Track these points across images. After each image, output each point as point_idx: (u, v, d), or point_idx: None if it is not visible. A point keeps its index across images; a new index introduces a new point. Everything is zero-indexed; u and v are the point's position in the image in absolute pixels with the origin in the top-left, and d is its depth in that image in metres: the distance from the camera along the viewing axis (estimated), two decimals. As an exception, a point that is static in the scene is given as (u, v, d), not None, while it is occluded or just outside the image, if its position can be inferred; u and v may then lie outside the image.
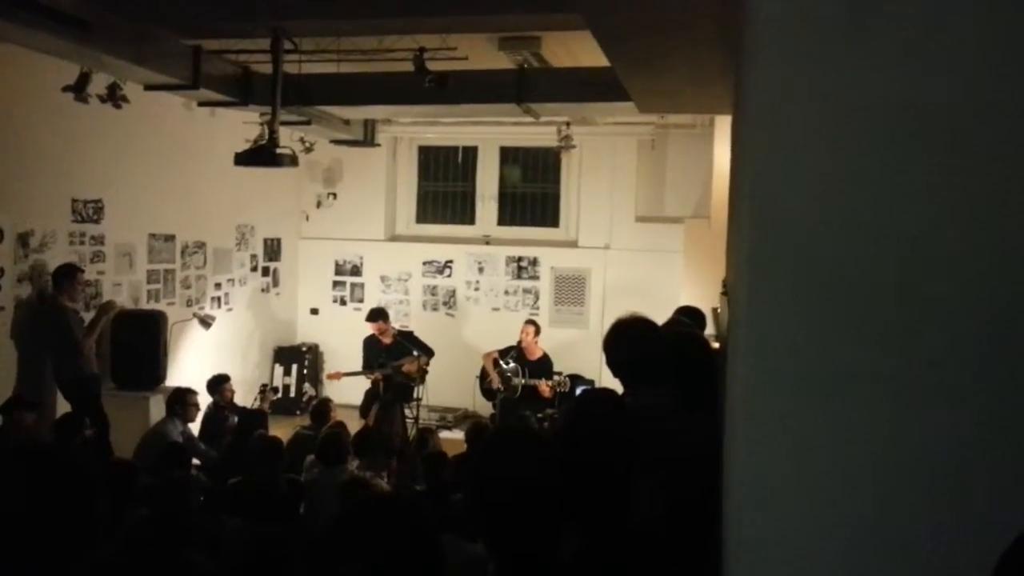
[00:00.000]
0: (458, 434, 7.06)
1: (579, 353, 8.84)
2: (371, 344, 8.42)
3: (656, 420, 2.83)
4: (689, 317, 4.72)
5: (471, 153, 10.52)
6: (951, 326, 1.29)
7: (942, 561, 1.32)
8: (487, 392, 8.24)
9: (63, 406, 6.22)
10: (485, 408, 8.56)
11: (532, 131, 9.37)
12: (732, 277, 2.68)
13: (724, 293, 3.59)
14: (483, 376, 8.29)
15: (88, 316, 6.68)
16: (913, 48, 1.30)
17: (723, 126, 7.12)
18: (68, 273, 6.42)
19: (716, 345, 3.42)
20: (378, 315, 8.44)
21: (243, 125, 7.44)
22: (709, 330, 4.51)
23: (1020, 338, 1.26)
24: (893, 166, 1.31)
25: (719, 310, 4.04)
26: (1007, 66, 1.27)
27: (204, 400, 6.87)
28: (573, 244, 10.05)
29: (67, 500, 1.40)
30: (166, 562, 2.09)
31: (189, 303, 8.57)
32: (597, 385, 7.65)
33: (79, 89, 6.23)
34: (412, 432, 7.84)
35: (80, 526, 1.40)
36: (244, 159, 6.52)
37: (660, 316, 4.40)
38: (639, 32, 4.00)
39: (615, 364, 3.15)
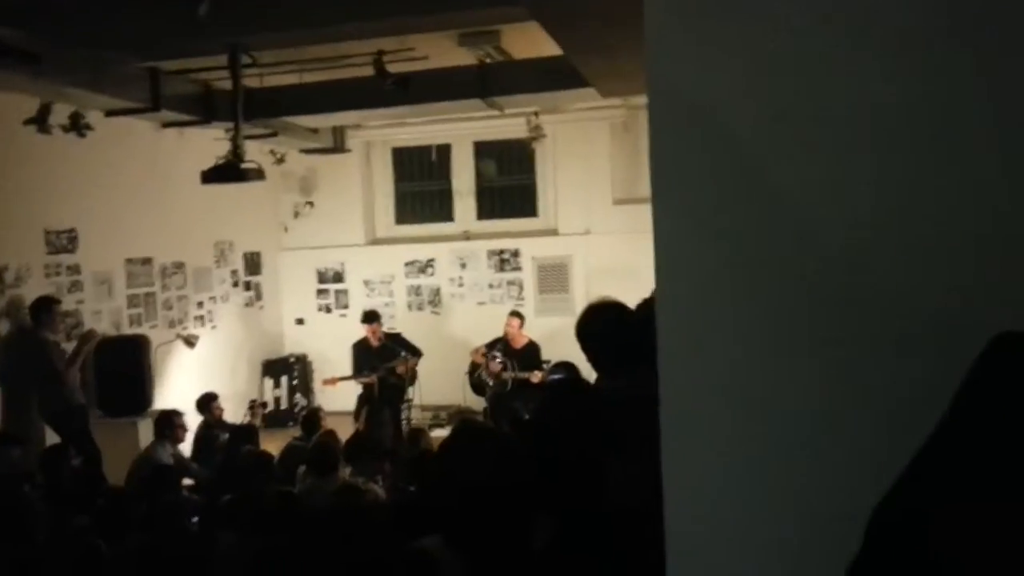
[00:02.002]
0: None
1: (566, 340, 8.78)
2: (360, 349, 8.48)
3: (630, 403, 2.86)
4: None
5: (445, 151, 10.51)
6: (890, 327, 1.28)
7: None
8: (477, 387, 8.29)
9: (53, 438, 6.21)
10: (478, 403, 8.59)
11: (503, 124, 9.36)
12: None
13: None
14: (472, 371, 8.33)
15: (70, 347, 6.67)
16: (813, 43, 1.30)
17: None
18: (45, 305, 6.41)
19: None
20: (373, 317, 8.55)
21: (213, 142, 7.41)
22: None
23: (944, 342, 1.25)
24: (790, 159, 1.32)
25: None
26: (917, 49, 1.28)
27: (197, 420, 6.89)
28: (553, 232, 10.07)
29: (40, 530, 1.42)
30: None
31: (172, 324, 8.55)
32: (584, 370, 7.68)
33: (41, 121, 6.21)
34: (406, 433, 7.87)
35: (18, 557, 1.42)
36: (210, 176, 6.53)
37: (644, 296, 4.41)
38: (584, 17, 4.02)
39: (589, 350, 3.19)
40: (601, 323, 3.27)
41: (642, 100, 8.89)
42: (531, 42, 6.58)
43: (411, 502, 4.55)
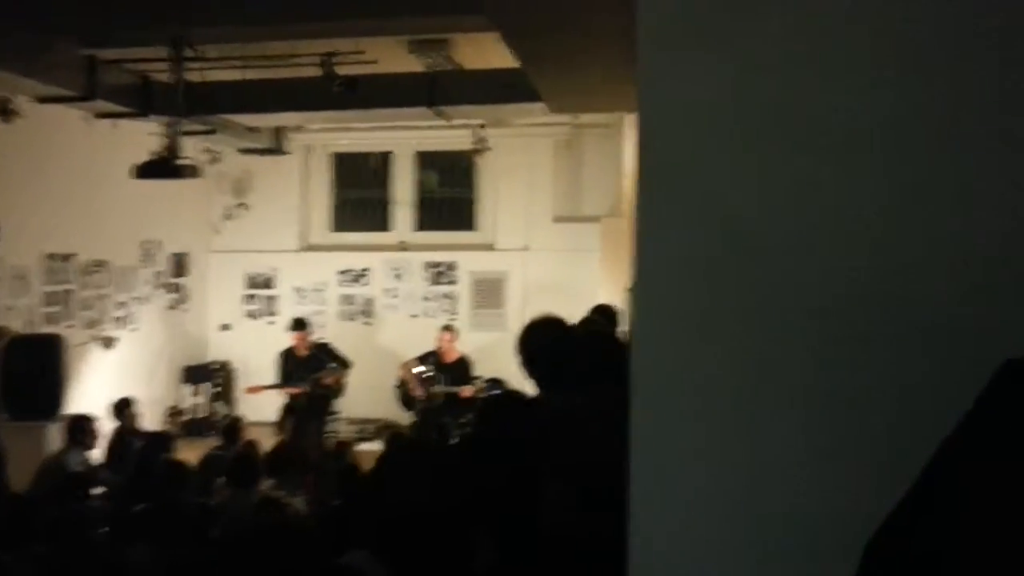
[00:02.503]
0: (378, 445, 6.97)
1: (500, 356, 8.75)
2: (287, 358, 8.32)
3: (567, 421, 2.81)
4: (602, 315, 4.74)
5: (386, 159, 10.38)
6: (865, 336, 1.25)
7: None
8: (406, 401, 8.18)
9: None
10: (405, 418, 8.44)
11: (447, 135, 9.30)
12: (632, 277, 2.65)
13: (630, 290, 3.58)
14: (401, 386, 8.21)
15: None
16: (790, 49, 1.28)
17: (632, 124, 7.17)
18: (-47, 298, 6.06)
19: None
20: (301, 325, 8.42)
21: (147, 136, 7.15)
22: (623, 327, 4.52)
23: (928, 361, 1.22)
24: (782, 167, 1.28)
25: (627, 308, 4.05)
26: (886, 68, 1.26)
27: (111, 426, 6.59)
28: (491, 247, 10.05)
29: None
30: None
31: (90, 325, 8.20)
32: (515, 387, 7.64)
33: (-36, 104, 5.92)
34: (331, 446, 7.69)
35: None
36: (144, 171, 6.39)
37: (579, 315, 4.40)
38: (544, 31, 4.01)
39: (528, 365, 3.14)
40: (544, 338, 3.23)
41: (588, 119, 8.98)
42: (481, 53, 6.56)
43: (336, 516, 4.41)
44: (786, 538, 1.28)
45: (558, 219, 9.70)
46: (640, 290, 1.43)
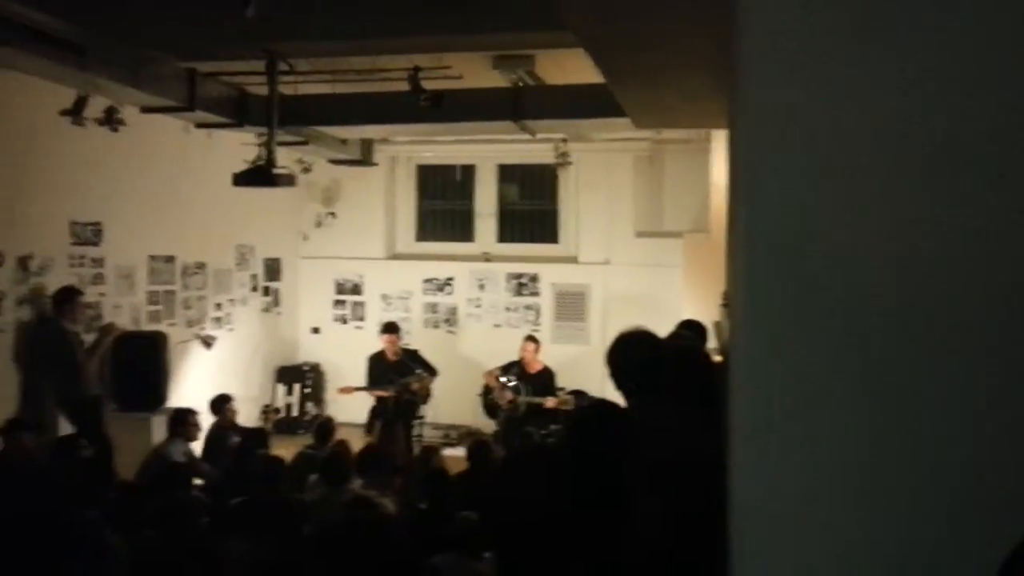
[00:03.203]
0: (461, 451, 7.07)
1: (581, 369, 8.81)
2: (376, 361, 8.47)
3: (658, 432, 2.83)
4: (691, 330, 4.73)
5: (469, 171, 10.54)
6: (946, 341, 1.29)
7: (944, 572, 1.32)
8: (489, 409, 8.26)
9: (67, 428, 6.20)
10: (488, 426, 8.54)
11: (529, 148, 9.41)
12: (731, 290, 2.68)
13: (725, 305, 3.60)
14: (485, 393, 8.30)
15: (89, 338, 6.68)
16: (905, 72, 1.31)
17: (720, 140, 7.15)
18: (68, 296, 6.43)
19: (718, 358, 3.42)
20: (393, 328, 8.58)
21: (241, 146, 7.48)
22: (711, 343, 4.51)
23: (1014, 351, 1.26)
24: (881, 188, 1.32)
25: (720, 323, 4.04)
26: (1007, 90, 1.29)
27: (208, 420, 6.87)
28: (573, 260, 10.06)
29: (44, 514, 1.41)
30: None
31: (190, 324, 8.57)
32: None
33: (76, 112, 6.27)
34: (416, 450, 7.83)
35: (58, 540, 1.41)
36: (242, 179, 6.60)
37: (662, 330, 4.41)
38: (631, 48, 4.03)
39: (618, 376, 3.15)
40: (635, 351, 3.23)
41: (669, 134, 8.96)
42: (562, 70, 6.64)
43: (425, 519, 4.53)
44: (895, 552, 1.31)
45: (640, 234, 9.65)
46: (737, 303, 1.47)
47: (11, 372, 6.38)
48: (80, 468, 5.17)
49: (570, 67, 6.41)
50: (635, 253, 9.56)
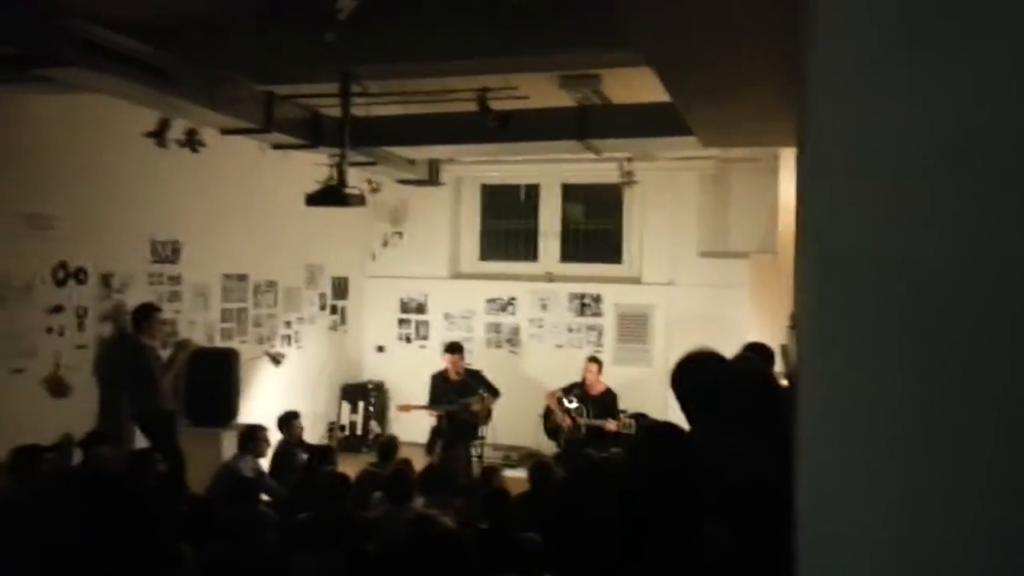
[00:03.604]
0: (521, 473, 7.06)
1: (644, 391, 8.75)
2: (439, 381, 8.53)
3: (724, 456, 2.79)
4: (757, 353, 4.66)
5: (533, 191, 10.61)
6: None
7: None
8: (550, 431, 8.24)
9: (142, 442, 6.40)
10: (548, 447, 8.53)
11: (593, 168, 9.42)
12: (799, 312, 2.64)
13: (792, 327, 3.53)
14: (547, 415, 8.28)
15: (166, 354, 6.90)
16: (978, 88, 1.29)
17: (788, 159, 7.05)
18: (147, 312, 6.66)
19: (784, 382, 3.36)
20: (456, 348, 8.63)
21: (313, 167, 7.66)
22: (777, 367, 4.43)
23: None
24: (957, 204, 1.30)
25: (787, 345, 3.97)
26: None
27: (275, 437, 7.01)
28: (636, 280, 10.01)
29: (127, 529, 1.46)
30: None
31: (261, 341, 8.78)
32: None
33: (159, 135, 6.50)
34: (477, 470, 7.86)
35: (142, 554, 1.46)
36: (315, 200, 6.71)
37: (727, 353, 4.35)
38: (697, 67, 4.02)
39: (683, 397, 3.12)
40: (700, 373, 3.19)
41: (735, 153, 8.88)
42: (629, 88, 6.64)
43: (486, 539, 4.54)
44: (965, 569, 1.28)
45: (704, 254, 9.57)
46: (805, 325, 1.45)
47: (93, 387, 6.62)
48: (154, 481, 5.33)
49: (637, 85, 6.41)
50: (700, 274, 9.47)
